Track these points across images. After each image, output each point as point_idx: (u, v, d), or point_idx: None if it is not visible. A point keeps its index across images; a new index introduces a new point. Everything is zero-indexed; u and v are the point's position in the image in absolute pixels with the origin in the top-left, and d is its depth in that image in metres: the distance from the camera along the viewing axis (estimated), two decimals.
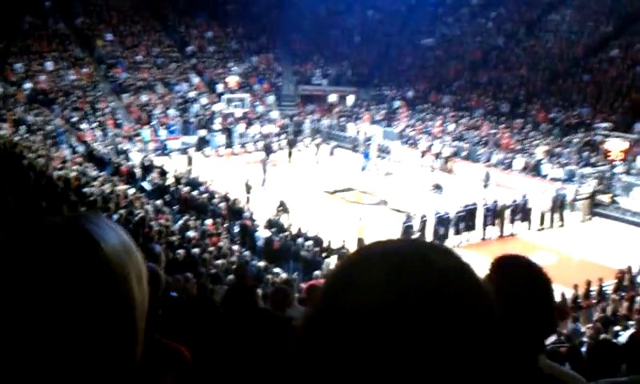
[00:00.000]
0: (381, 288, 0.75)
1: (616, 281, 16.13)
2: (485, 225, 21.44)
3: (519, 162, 28.45)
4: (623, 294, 14.90)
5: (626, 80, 30.87)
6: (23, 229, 0.93)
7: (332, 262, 16.42)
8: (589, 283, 15.73)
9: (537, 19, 38.59)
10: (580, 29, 35.93)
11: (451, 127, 33.23)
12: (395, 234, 18.37)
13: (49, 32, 37.31)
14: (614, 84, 31.01)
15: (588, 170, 25.89)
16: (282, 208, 21.34)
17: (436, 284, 0.76)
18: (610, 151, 25.08)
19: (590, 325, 12.26)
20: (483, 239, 21.33)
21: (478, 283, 0.81)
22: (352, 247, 16.44)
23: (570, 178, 26.05)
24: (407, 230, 19.35)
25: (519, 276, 1.91)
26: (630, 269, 16.40)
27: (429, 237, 19.58)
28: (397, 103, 37.55)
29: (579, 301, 15.14)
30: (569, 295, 14.78)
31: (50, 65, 35.07)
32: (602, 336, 10.75)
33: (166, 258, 12.03)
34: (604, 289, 15.88)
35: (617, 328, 12.16)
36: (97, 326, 0.89)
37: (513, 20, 39.63)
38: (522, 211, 22.17)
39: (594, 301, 15.41)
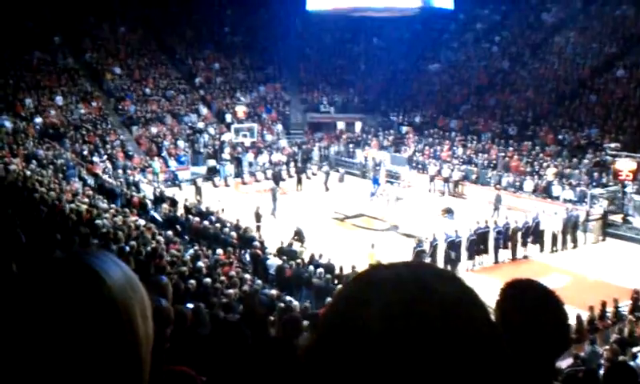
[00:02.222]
0: (380, 315, 0.75)
1: (631, 301, 15.96)
2: (497, 248, 21.33)
3: (529, 184, 28.37)
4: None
5: (633, 100, 30.88)
6: (31, 265, 0.93)
7: None
8: (604, 304, 15.57)
9: (541, 42, 38.75)
10: (584, 50, 36.05)
11: (460, 151, 33.24)
12: (406, 259, 18.31)
13: (58, 67, 37.76)
14: (622, 104, 31.02)
15: (599, 190, 25.78)
16: (298, 237, 21.33)
17: (434, 313, 0.75)
18: (620, 171, 24.97)
19: (608, 347, 12.11)
20: (496, 262, 21.22)
21: (479, 312, 0.79)
22: None
23: (581, 199, 25.94)
24: (419, 255, 19.25)
25: (530, 301, 1.89)
26: None
27: (440, 261, 19.49)
28: (404, 129, 37.64)
29: (595, 323, 14.97)
30: (584, 317, 14.63)
31: (59, 99, 35.43)
32: (620, 357, 10.62)
33: (179, 289, 12.02)
34: (620, 310, 15.72)
35: (635, 349, 12.01)
36: (101, 362, 0.88)
37: (517, 44, 39.82)
38: (533, 233, 22.06)
39: (610, 322, 15.24)
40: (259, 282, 15.94)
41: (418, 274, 0.80)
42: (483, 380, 0.75)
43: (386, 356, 0.73)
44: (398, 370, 0.73)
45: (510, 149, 31.58)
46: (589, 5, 38.34)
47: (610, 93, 32.17)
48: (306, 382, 0.78)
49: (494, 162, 31.10)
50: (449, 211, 26.77)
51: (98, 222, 16.82)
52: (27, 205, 16.06)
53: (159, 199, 25.11)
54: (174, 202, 24.53)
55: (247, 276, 16.63)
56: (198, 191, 28.67)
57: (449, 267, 19.61)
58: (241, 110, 38.41)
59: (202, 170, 33.38)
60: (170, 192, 27.47)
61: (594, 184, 26.55)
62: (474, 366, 0.74)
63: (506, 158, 30.90)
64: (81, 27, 40.37)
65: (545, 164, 29.27)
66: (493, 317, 0.83)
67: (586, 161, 28.43)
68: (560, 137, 31.05)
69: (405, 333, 0.74)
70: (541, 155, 30.30)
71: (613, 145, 26.69)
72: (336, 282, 17.17)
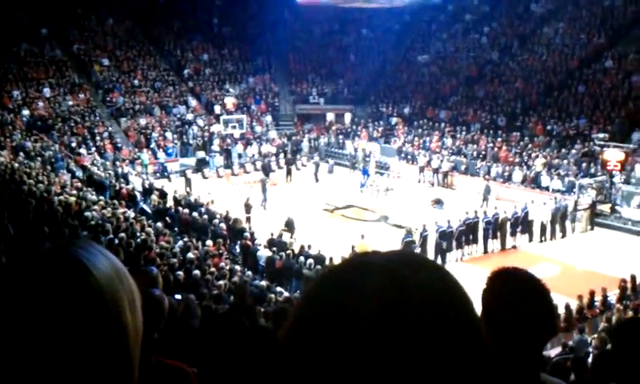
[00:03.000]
0: (366, 300, 0.75)
1: (619, 290, 16.09)
2: (486, 238, 21.44)
3: (518, 174, 28.50)
4: (628, 303, 14.86)
5: (621, 90, 31.03)
6: (17, 257, 0.92)
7: None
8: (592, 293, 15.69)
9: (530, 33, 38.83)
10: (573, 41, 36.16)
11: (449, 142, 33.33)
12: (396, 249, 18.34)
13: (45, 59, 37.48)
14: (610, 94, 31.15)
15: (587, 180, 25.93)
16: (288, 227, 21.34)
17: (401, 300, 0.75)
18: (608, 161, 25.13)
19: (596, 335, 12.21)
20: (485, 252, 21.33)
21: (451, 298, 0.79)
22: None
23: (569, 189, 26.09)
24: (408, 245, 19.30)
25: (516, 288, 1.90)
26: (633, 277, 16.36)
27: (430, 251, 19.56)
28: (394, 120, 37.68)
29: (584, 311, 15.08)
30: (573, 306, 14.74)
31: (47, 91, 35.18)
32: (608, 346, 10.72)
33: (169, 280, 12.00)
34: (608, 299, 15.85)
35: None
36: (89, 354, 0.87)
37: (506, 35, 39.88)
38: (522, 223, 22.18)
39: (598, 311, 15.36)
40: (249, 273, 15.95)
41: (387, 262, 0.80)
42: (465, 371, 0.76)
43: (371, 342, 0.73)
44: (381, 356, 0.73)
45: (499, 139, 31.69)
46: None
47: (599, 83, 32.31)
48: (286, 366, 0.79)
49: (483, 152, 31.20)
50: (438, 202, 26.85)
51: (86, 214, 16.75)
52: (15, 197, 15.96)
53: (148, 191, 25.02)
54: (163, 194, 24.46)
55: (237, 267, 16.65)
56: (188, 183, 28.60)
57: (439, 257, 19.71)
58: (230, 102, 38.32)
59: (191, 161, 33.30)
60: (159, 184, 27.38)
61: (583, 174, 26.70)
62: (453, 357, 0.75)
63: (495, 149, 31.01)
64: (68, 19, 40.06)
65: (533, 154, 29.40)
66: (474, 306, 0.82)
67: (574, 151, 28.58)
68: (549, 127, 31.18)
69: (393, 319, 0.74)
70: (529, 146, 30.42)
71: (601, 135, 26.82)
72: None
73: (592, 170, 26.67)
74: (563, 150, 29.11)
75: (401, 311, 0.75)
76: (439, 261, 19.45)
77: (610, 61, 33.19)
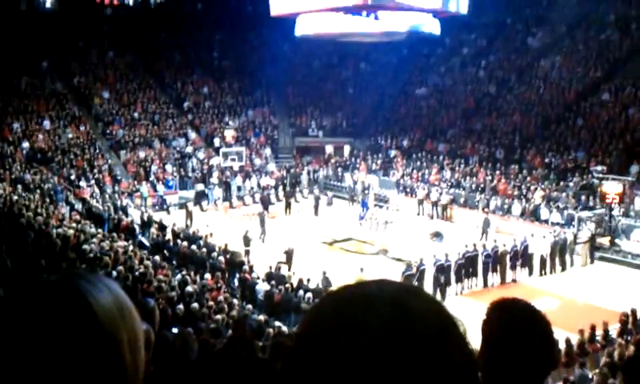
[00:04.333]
0: (353, 332, 0.75)
1: (620, 324, 15.97)
2: (485, 272, 21.35)
3: (517, 207, 28.51)
4: (629, 337, 14.73)
5: (619, 123, 31.22)
6: (19, 288, 0.91)
7: None
8: (593, 327, 15.56)
9: (527, 67, 39.17)
10: (570, 75, 36.47)
11: (448, 175, 33.40)
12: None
13: (46, 92, 37.74)
14: (607, 127, 31.34)
15: (586, 213, 25.93)
16: (287, 257, 21.30)
17: (405, 326, 0.76)
18: (607, 194, 25.15)
19: (597, 370, 12.08)
20: (485, 286, 21.23)
21: (447, 326, 0.80)
22: None
23: (568, 222, 26.07)
24: (407, 279, 19.19)
25: (517, 320, 1.88)
26: (634, 312, 16.25)
27: (429, 285, 19.45)
28: (393, 152, 37.82)
29: (585, 346, 14.95)
30: (574, 340, 14.61)
31: (47, 124, 35.35)
32: (610, 381, 10.60)
33: (166, 314, 11.91)
34: (609, 333, 15.72)
35: None
36: None
37: (503, 68, 40.23)
38: (522, 257, 22.11)
39: (599, 345, 15.22)
40: (249, 306, 15.85)
41: (387, 290, 0.80)
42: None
43: (373, 367, 0.73)
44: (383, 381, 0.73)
45: (498, 172, 31.77)
46: (574, 30, 38.89)
47: (596, 116, 32.52)
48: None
49: (482, 185, 31.25)
50: (438, 235, 26.83)
51: (85, 246, 16.69)
52: (14, 229, 15.92)
53: (147, 224, 24.99)
54: (162, 227, 24.42)
55: (235, 301, 16.54)
56: (189, 215, 28.55)
57: (438, 291, 19.60)
58: (229, 134, 38.47)
59: (190, 194, 33.32)
60: (158, 216, 27.36)
61: (582, 207, 26.71)
62: (447, 373, 0.75)
63: (494, 182, 31.07)
64: (69, 52, 40.44)
65: (532, 187, 29.45)
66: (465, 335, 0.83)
67: (572, 184, 28.64)
68: (547, 160, 31.29)
69: (380, 343, 0.74)
70: (528, 178, 30.50)
71: (599, 168, 26.91)
72: None
73: (591, 203, 26.68)
74: (562, 183, 29.16)
75: (404, 335, 0.75)
76: (438, 295, 19.35)
77: (606, 94, 33.45)
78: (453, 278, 20.53)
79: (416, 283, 18.98)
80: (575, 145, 31.38)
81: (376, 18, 23.29)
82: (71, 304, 0.88)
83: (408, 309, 0.77)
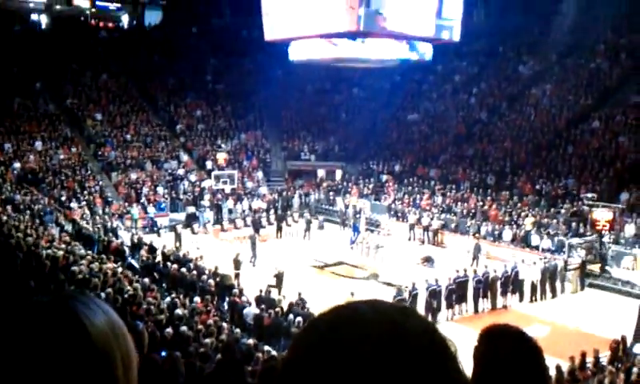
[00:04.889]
0: (349, 351, 0.75)
1: (610, 352, 15.96)
2: (476, 297, 21.32)
3: (508, 233, 28.58)
4: (620, 365, 14.72)
5: (609, 150, 31.47)
6: (13, 309, 0.91)
7: None
8: (584, 355, 15.53)
9: (518, 94, 39.54)
10: (560, 102, 36.80)
11: (439, 200, 33.48)
12: None
13: (38, 113, 37.72)
14: (598, 155, 31.57)
15: (576, 240, 26.01)
16: (277, 280, 21.22)
17: (399, 346, 0.76)
18: (597, 221, 25.26)
19: None
20: (476, 312, 21.18)
21: (440, 347, 0.80)
22: None
23: (559, 248, 26.14)
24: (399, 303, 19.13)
25: (509, 346, 1.88)
26: (623, 339, 16.26)
27: (420, 310, 19.40)
28: (384, 177, 37.91)
29: (576, 373, 14.91)
30: (565, 367, 14.57)
31: (39, 144, 35.28)
32: None
33: (155, 337, 11.80)
34: (600, 360, 15.69)
35: None
36: None
37: (494, 95, 40.58)
38: (513, 283, 22.11)
39: (590, 373, 15.18)
40: (237, 330, 15.73)
41: (382, 311, 0.80)
42: None
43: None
44: None
45: (489, 198, 31.88)
46: (564, 58, 39.34)
47: (586, 144, 32.77)
48: None
49: (473, 210, 31.34)
50: (428, 260, 26.82)
51: (74, 268, 16.57)
52: (2, 250, 15.79)
53: (137, 246, 24.86)
54: (152, 249, 24.29)
55: (225, 325, 16.42)
56: (178, 238, 28.45)
57: (430, 316, 19.54)
58: (222, 157, 38.49)
59: (181, 216, 33.23)
60: (148, 239, 27.23)
61: (572, 234, 26.81)
62: None
63: (485, 207, 31.16)
64: (63, 74, 40.52)
65: (523, 213, 29.55)
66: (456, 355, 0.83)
67: (563, 210, 28.76)
68: (538, 186, 31.44)
69: (375, 362, 0.74)
70: (519, 205, 30.61)
71: (589, 195, 27.06)
72: None
73: (581, 230, 26.78)
74: (552, 210, 29.28)
75: (398, 355, 0.74)
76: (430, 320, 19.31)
77: (596, 122, 33.75)
78: (443, 303, 20.49)
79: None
80: (566, 172, 31.57)
81: (362, 40, 23.43)
82: (66, 325, 0.89)
83: (401, 329, 0.77)
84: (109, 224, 28.42)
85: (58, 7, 51.25)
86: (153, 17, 53.56)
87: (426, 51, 25.63)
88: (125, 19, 55.39)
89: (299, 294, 19.33)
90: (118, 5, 54.03)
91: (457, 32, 24.70)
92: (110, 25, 53.09)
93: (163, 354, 8.21)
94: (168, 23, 52.37)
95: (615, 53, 37.44)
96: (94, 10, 52.76)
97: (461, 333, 17.66)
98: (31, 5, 48.67)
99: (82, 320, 0.90)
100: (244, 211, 34.45)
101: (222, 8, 52.40)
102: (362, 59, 25.09)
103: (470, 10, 36.13)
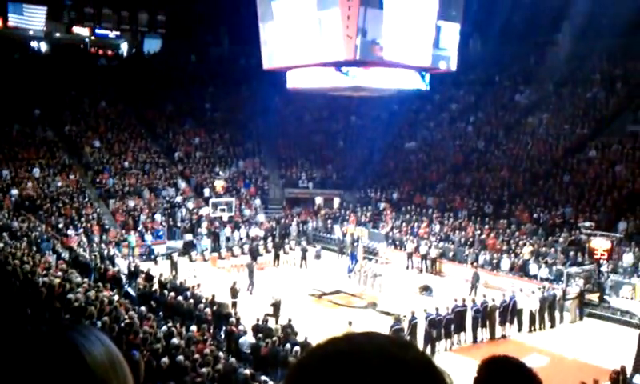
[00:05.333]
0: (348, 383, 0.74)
1: (610, 382, 15.85)
2: (475, 327, 21.19)
3: (506, 262, 28.51)
4: None
5: (606, 179, 31.55)
6: (10, 338, 0.91)
7: None
8: None
9: (515, 123, 39.78)
10: (557, 131, 37.01)
11: (437, 228, 33.46)
12: None
13: (37, 139, 37.82)
14: (595, 184, 31.65)
15: (575, 269, 25.95)
16: (275, 309, 21.10)
17: (396, 379, 0.75)
18: (595, 250, 25.24)
19: None
20: (474, 342, 21.04)
21: (436, 380, 0.80)
22: None
23: (557, 277, 26.07)
24: (396, 333, 18.99)
25: (508, 377, 1.86)
26: (623, 369, 16.15)
27: (420, 340, 19.27)
28: (382, 205, 37.94)
29: None
30: None
31: (37, 171, 35.33)
32: None
33: (152, 366, 11.71)
34: None
35: None
36: None
37: (491, 124, 40.83)
38: (511, 312, 22.00)
39: None
40: (232, 359, 15.59)
41: (378, 344, 0.80)
42: None
43: None
44: None
45: (487, 226, 31.87)
46: (560, 87, 39.66)
47: (583, 173, 32.88)
48: None
49: (471, 239, 31.31)
50: (426, 289, 26.73)
51: (70, 296, 16.48)
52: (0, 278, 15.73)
53: (134, 274, 24.75)
54: (149, 277, 24.18)
55: (221, 354, 16.29)
56: (174, 266, 28.34)
57: (429, 346, 19.41)
58: (219, 185, 38.54)
59: (179, 244, 33.15)
60: (145, 266, 27.14)
61: (570, 263, 26.75)
62: None
63: (483, 236, 31.14)
64: (61, 101, 40.72)
65: (521, 242, 29.49)
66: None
67: (561, 239, 28.73)
68: (535, 215, 31.45)
69: None
70: (517, 233, 30.59)
71: (587, 224, 27.05)
72: None
73: (579, 259, 26.74)
74: (550, 238, 29.26)
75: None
76: (429, 350, 19.16)
77: (593, 151, 33.91)
78: (442, 332, 20.36)
79: (408, 337, 18.84)
80: (563, 201, 31.61)
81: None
82: (64, 356, 0.89)
83: (399, 361, 0.77)
84: (105, 251, 28.34)
85: (57, 35, 51.66)
86: (152, 45, 53.99)
87: (422, 83, 25.81)
88: (124, 47, 55.82)
89: (289, 320, 19.24)
90: (118, 33, 54.47)
91: (454, 61, 24.91)
92: (110, 53, 53.49)
93: None
94: (167, 51, 52.81)
95: (611, 82, 37.78)
96: (93, 37, 53.18)
97: (460, 363, 17.55)
98: (31, 32, 49.05)
99: (80, 351, 0.90)
100: (241, 239, 34.38)
101: (221, 37, 52.93)
102: (359, 87, 25.24)
103: (467, 39, 36.56)
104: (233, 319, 19.76)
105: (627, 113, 35.33)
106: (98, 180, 36.83)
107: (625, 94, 36.65)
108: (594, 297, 24.72)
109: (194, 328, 17.98)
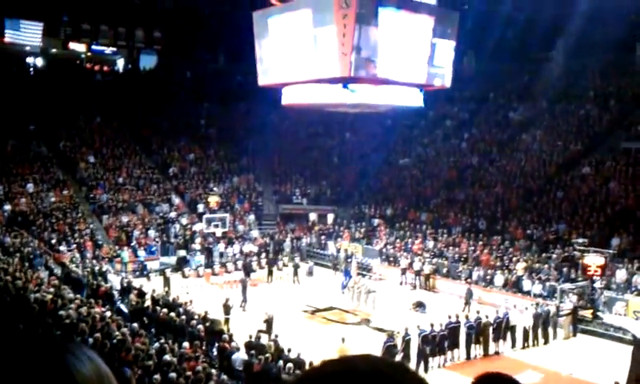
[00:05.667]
0: None
1: None
2: (468, 343, 21.12)
3: (500, 278, 28.50)
4: None
5: (600, 196, 31.64)
6: (4, 356, 0.92)
7: None
8: None
9: (508, 139, 39.92)
10: (551, 148, 37.16)
11: (430, 244, 33.45)
12: (377, 354, 17.96)
13: (31, 155, 37.75)
14: (588, 200, 31.74)
15: (568, 285, 25.97)
16: (267, 325, 21.02)
17: None
18: (588, 266, 25.26)
19: None
20: (468, 358, 20.97)
21: None
22: None
23: (551, 293, 26.07)
24: (389, 349, 18.92)
25: None
26: None
27: (413, 356, 19.19)
28: (376, 221, 37.92)
29: None
30: None
31: (30, 187, 35.21)
32: None
33: (144, 383, 11.62)
34: None
35: None
36: None
37: (485, 140, 40.97)
38: (505, 329, 21.96)
39: None
40: (225, 376, 15.50)
41: (374, 366, 0.81)
42: None
43: None
44: None
45: (480, 243, 31.88)
46: (554, 104, 39.85)
47: (577, 189, 32.97)
48: None
49: (465, 255, 31.31)
50: (420, 305, 26.67)
51: (62, 312, 16.37)
52: None
53: (127, 290, 24.63)
54: (141, 293, 24.06)
55: (214, 371, 16.19)
56: (167, 282, 28.22)
57: (422, 363, 19.33)
58: (213, 200, 38.48)
59: (172, 260, 33.03)
60: (138, 282, 27.01)
61: (564, 279, 26.77)
62: None
63: (477, 252, 31.14)
64: (56, 117, 40.69)
65: (514, 258, 29.51)
66: None
67: (554, 256, 28.76)
68: (529, 232, 31.49)
69: None
70: (510, 250, 30.61)
71: (581, 240, 27.10)
72: None
73: (573, 275, 26.76)
74: (544, 255, 29.29)
75: None
76: (422, 366, 19.09)
77: (587, 167, 34.03)
78: (435, 349, 20.28)
79: (401, 353, 18.77)
80: (556, 217, 31.68)
81: (345, 86, 23.62)
82: (54, 375, 0.90)
83: (393, 383, 0.78)
84: (97, 267, 28.19)
85: (54, 50, 51.72)
86: (148, 61, 54.09)
87: (417, 101, 25.86)
88: (120, 63, 55.91)
89: (276, 336, 19.17)
90: (114, 49, 54.56)
91: (448, 78, 24.98)
92: (106, 68, 53.55)
93: None
94: (163, 67, 52.93)
95: (604, 99, 38.01)
96: (89, 53, 53.25)
97: (453, 380, 17.51)
98: (27, 48, 49.09)
99: (69, 369, 0.91)
100: (235, 255, 34.29)
101: (217, 53, 53.10)
102: (354, 104, 25.28)
103: (461, 56, 36.77)
104: (225, 336, 19.66)
105: (620, 130, 35.52)
106: (91, 195, 36.74)
107: (618, 110, 36.86)
108: (587, 313, 24.72)
109: (186, 345, 17.86)
